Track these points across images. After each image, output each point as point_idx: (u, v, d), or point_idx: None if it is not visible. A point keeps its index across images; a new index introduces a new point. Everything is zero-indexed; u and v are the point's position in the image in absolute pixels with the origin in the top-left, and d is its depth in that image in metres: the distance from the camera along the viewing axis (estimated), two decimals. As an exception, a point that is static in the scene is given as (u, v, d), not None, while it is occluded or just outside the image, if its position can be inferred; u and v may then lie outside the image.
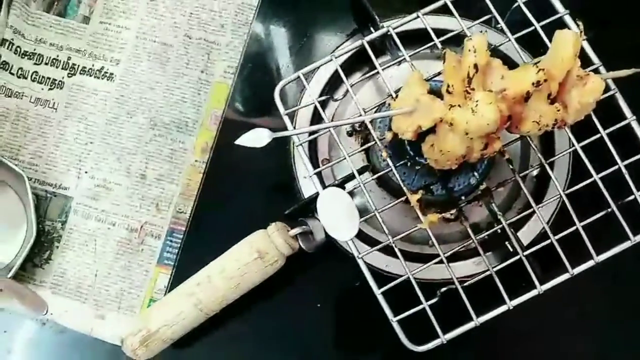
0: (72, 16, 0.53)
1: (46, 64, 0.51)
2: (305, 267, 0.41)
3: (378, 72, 0.38)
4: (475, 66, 0.32)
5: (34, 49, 0.51)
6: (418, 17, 0.38)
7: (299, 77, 0.37)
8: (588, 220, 0.36)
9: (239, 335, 0.42)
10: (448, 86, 0.33)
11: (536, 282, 0.35)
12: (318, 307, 0.41)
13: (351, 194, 0.38)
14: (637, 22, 0.48)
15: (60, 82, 0.51)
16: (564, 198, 0.36)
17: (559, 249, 0.35)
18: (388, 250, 0.40)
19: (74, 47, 0.52)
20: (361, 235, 0.37)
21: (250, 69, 0.50)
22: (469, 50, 0.33)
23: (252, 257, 0.36)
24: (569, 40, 0.32)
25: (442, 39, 0.38)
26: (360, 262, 0.35)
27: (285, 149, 0.45)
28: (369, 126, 0.37)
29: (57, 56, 0.51)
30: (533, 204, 0.36)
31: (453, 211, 0.37)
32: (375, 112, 0.39)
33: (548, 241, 0.36)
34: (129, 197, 0.49)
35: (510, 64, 0.36)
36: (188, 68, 0.51)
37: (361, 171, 0.38)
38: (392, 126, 0.35)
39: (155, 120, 0.50)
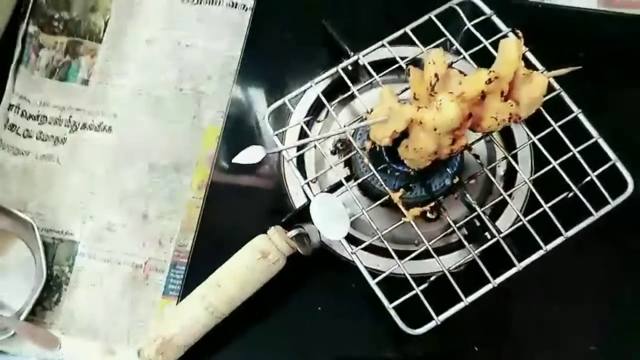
0: (72, 80, 0.58)
1: (49, 123, 0.56)
2: (304, 275, 0.43)
3: (354, 95, 0.44)
4: (436, 75, 0.38)
5: (38, 111, 0.56)
6: (383, 45, 0.44)
7: (284, 102, 0.42)
8: (553, 202, 0.40)
9: (246, 339, 0.43)
10: (415, 94, 0.38)
11: (514, 260, 0.38)
12: (319, 310, 0.43)
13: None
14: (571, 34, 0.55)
15: (63, 139, 0.55)
16: (529, 184, 0.40)
17: (530, 229, 0.39)
18: (378, 251, 0.43)
19: (75, 106, 0.57)
20: (350, 240, 0.40)
21: (238, 110, 0.55)
22: (429, 63, 0.38)
23: (255, 258, 0.39)
24: (512, 45, 0.38)
25: (405, 61, 0.44)
26: (354, 257, 0.38)
27: (275, 172, 0.49)
28: (350, 138, 0.41)
29: (60, 116, 0.56)
30: (502, 192, 0.40)
31: (432, 204, 0.41)
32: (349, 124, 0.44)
33: (520, 223, 0.40)
34: (132, 236, 0.51)
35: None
36: (181, 116, 0.56)
37: (346, 180, 0.42)
38: (370, 135, 0.40)
39: (154, 164, 0.54)
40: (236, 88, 0.57)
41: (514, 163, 0.41)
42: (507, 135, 0.48)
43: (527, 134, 0.42)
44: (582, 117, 0.43)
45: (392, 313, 0.37)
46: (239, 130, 0.53)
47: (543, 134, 0.43)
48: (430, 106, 0.36)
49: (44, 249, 0.48)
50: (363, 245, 0.39)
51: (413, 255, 0.39)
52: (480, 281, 0.39)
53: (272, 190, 0.48)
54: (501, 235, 0.40)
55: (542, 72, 0.44)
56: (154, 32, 0.60)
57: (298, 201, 0.46)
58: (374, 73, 0.43)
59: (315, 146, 0.43)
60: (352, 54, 0.45)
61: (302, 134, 0.46)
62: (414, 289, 0.38)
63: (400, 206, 0.39)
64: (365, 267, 0.39)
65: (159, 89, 0.58)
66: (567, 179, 0.41)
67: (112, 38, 0.60)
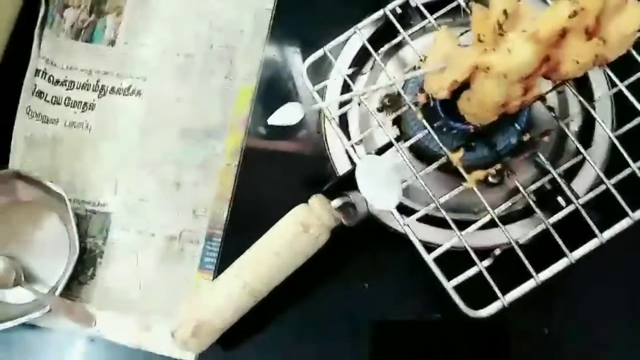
0: (98, 41, 0.54)
1: (77, 88, 0.53)
2: (348, 248, 0.39)
3: (404, 42, 0.38)
4: (505, 12, 0.31)
5: (66, 76, 0.53)
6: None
7: (324, 53, 0.37)
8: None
9: (286, 321, 0.40)
10: (479, 36, 0.32)
11: (596, 231, 0.32)
12: (365, 288, 0.39)
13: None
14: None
15: (91, 104, 0.52)
16: (614, 139, 0.33)
17: (615, 193, 0.32)
18: (433, 221, 0.38)
19: (102, 69, 0.53)
20: (401, 209, 0.35)
21: (272, 67, 0.50)
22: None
23: (296, 231, 0.35)
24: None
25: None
26: (407, 229, 0.33)
27: (315, 134, 0.44)
28: (400, 91, 0.36)
29: (87, 80, 0.53)
30: (582, 150, 0.33)
31: (498, 166, 0.35)
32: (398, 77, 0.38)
33: (603, 187, 0.33)
34: (165, 206, 0.48)
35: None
36: (212, 76, 0.52)
37: (396, 140, 0.36)
38: (425, 87, 0.34)
39: (185, 129, 0.51)
40: (270, 43, 0.52)
41: (595, 114, 0.34)
42: (581, 84, 0.41)
43: (608, 81, 0.35)
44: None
45: (452, 293, 0.32)
46: (274, 89, 0.49)
47: (632, 79, 0.35)
48: (499, 48, 0.30)
49: (77, 222, 0.46)
50: (417, 215, 0.34)
51: (477, 225, 0.34)
52: (552, 255, 0.33)
53: (312, 154, 0.43)
54: (580, 201, 0.34)
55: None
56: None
57: (342, 166, 0.41)
58: (427, 14, 0.37)
59: (359, 103, 0.37)
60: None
61: (345, 89, 0.40)
62: (475, 265, 0.33)
63: (461, 169, 0.33)
64: (420, 241, 0.34)
65: (188, 46, 0.53)
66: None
67: (138, -7, 0.56)
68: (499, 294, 0.32)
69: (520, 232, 0.34)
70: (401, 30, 0.37)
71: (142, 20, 0.55)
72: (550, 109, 0.35)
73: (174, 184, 0.49)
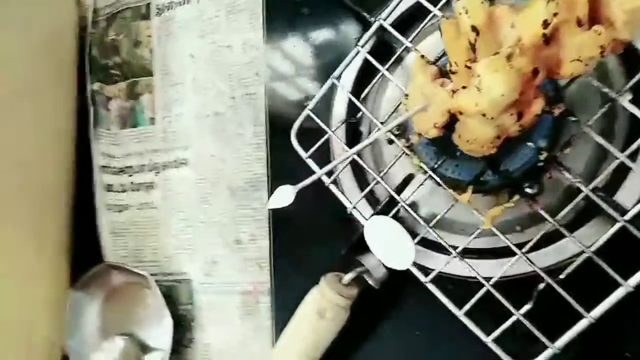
0: (142, 123, 0.59)
1: (137, 172, 0.58)
2: (387, 301, 0.38)
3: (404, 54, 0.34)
4: (474, 29, 0.27)
5: (124, 164, 0.59)
6: (405, -7, 0.33)
7: (308, 114, 0.35)
8: None
9: None
10: (451, 65, 0.28)
11: None
12: (417, 335, 0.37)
13: (413, 205, 0.35)
14: None
15: (152, 184, 0.57)
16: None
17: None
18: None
19: (151, 148, 0.58)
20: (431, 244, 0.33)
21: (279, 113, 0.49)
22: (461, 13, 0.27)
23: (313, 319, 0.35)
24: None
25: (440, 4, 0.32)
26: (430, 287, 0.31)
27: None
28: (393, 138, 0.33)
29: (142, 162, 0.58)
30: (617, 153, 0.27)
31: (515, 198, 0.31)
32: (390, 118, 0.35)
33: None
34: (234, 264, 0.52)
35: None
36: (241, 127, 0.53)
37: (407, 180, 0.34)
38: (415, 128, 0.31)
39: (233, 186, 0.53)
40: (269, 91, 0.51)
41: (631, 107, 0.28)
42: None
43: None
44: None
45: (493, 347, 0.29)
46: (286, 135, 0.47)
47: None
48: (470, 84, 0.26)
49: (168, 293, 0.52)
50: (439, 269, 0.32)
51: (503, 270, 0.30)
52: (600, 283, 0.28)
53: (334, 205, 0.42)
54: (627, 217, 0.28)
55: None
56: (193, 43, 0.57)
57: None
58: (402, 39, 0.33)
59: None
60: (370, 18, 0.35)
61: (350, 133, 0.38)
62: (512, 314, 0.30)
63: (474, 211, 0.30)
64: (453, 276, 0.32)
65: (214, 104, 0.55)
66: None
67: (161, 64, 0.58)
68: (547, 342, 0.28)
69: (556, 257, 0.30)
70: (379, 67, 0.33)
71: (171, 91, 0.57)
72: (568, 113, 0.29)
73: (234, 241, 0.52)
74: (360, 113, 0.35)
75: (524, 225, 0.34)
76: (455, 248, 0.33)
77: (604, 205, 0.28)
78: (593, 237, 0.30)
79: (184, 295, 0.54)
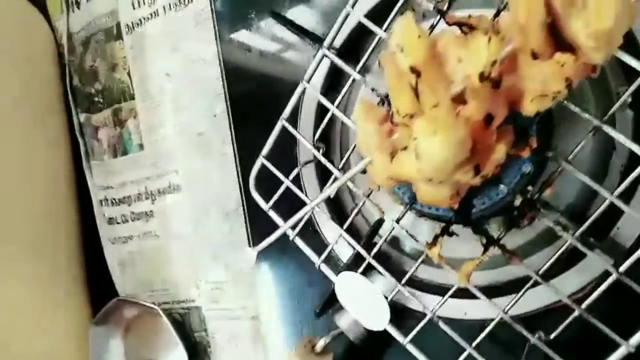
0: (132, 150, 0.57)
1: (135, 201, 0.57)
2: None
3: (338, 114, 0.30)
4: (414, 69, 0.22)
5: (122, 195, 0.58)
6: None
7: (261, 164, 0.32)
8: None
9: None
10: (393, 114, 0.24)
11: None
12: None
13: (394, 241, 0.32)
14: None
15: (150, 212, 0.56)
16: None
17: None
18: (462, 293, 0.31)
19: (144, 175, 0.56)
20: (421, 284, 0.30)
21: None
22: (396, 52, 0.23)
23: None
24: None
25: (387, 23, 0.27)
26: (410, 348, 0.28)
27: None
28: (352, 188, 0.29)
29: (138, 190, 0.57)
30: (605, 193, 0.23)
31: (490, 252, 0.27)
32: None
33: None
34: (237, 289, 0.51)
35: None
36: (224, 145, 0.50)
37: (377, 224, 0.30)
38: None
39: (225, 209, 0.51)
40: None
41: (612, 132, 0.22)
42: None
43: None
44: None
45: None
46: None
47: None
48: (409, 147, 0.22)
49: (179, 321, 0.52)
50: (417, 329, 0.28)
51: (519, 296, 0.27)
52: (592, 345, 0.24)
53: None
54: (621, 269, 0.23)
55: None
56: (167, 59, 0.54)
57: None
58: (348, 69, 0.28)
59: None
60: (314, 46, 0.30)
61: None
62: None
63: (446, 266, 0.26)
64: (451, 319, 0.29)
65: (197, 123, 0.52)
66: None
67: (140, 86, 0.56)
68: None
69: (548, 298, 0.26)
70: (328, 104, 0.29)
71: (153, 114, 0.55)
72: (545, 147, 0.24)
73: (235, 265, 0.51)
74: (320, 151, 0.31)
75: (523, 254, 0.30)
76: (443, 288, 0.30)
77: (591, 255, 0.23)
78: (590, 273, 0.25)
79: (195, 322, 0.54)
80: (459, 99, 0.22)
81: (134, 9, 0.56)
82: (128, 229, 0.58)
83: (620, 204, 0.22)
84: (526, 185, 0.27)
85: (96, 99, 0.59)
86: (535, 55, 0.20)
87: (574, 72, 0.20)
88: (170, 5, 0.54)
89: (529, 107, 0.21)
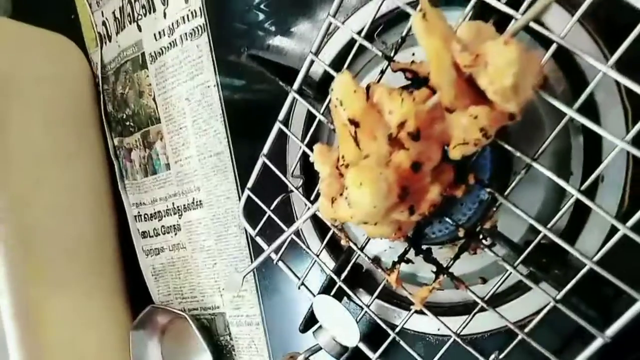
0: (160, 170, 0.63)
1: (164, 216, 0.63)
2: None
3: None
4: (352, 121, 0.25)
5: (154, 209, 0.64)
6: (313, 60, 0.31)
7: (248, 195, 0.35)
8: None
9: None
10: (339, 160, 0.26)
11: (630, 291, 0.23)
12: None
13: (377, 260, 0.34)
14: None
15: (177, 226, 0.61)
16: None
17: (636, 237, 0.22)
18: (439, 310, 0.33)
19: (171, 193, 0.62)
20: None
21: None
22: (336, 106, 0.25)
23: None
24: (418, 24, 0.21)
25: (345, 67, 0.30)
26: (378, 363, 0.30)
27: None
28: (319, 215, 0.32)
29: (167, 206, 0.62)
30: (539, 226, 0.24)
31: (441, 278, 0.28)
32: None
33: (619, 234, 0.23)
34: (256, 299, 0.55)
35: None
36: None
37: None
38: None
39: (241, 224, 0.55)
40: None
41: (541, 170, 0.23)
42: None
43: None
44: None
45: None
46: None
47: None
48: (344, 194, 0.24)
49: (207, 325, 0.57)
50: (383, 347, 0.31)
51: (468, 319, 0.29)
52: (569, 339, 0.26)
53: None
54: (595, 259, 0.25)
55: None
56: (186, 85, 0.58)
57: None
58: (313, 110, 0.31)
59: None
60: (287, 88, 0.33)
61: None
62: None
63: (405, 292, 0.28)
64: (423, 334, 0.31)
65: (213, 144, 0.56)
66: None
67: (164, 111, 0.61)
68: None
69: (525, 310, 0.27)
70: (300, 142, 0.32)
71: (176, 136, 0.60)
72: (472, 186, 0.25)
73: (251, 275, 0.55)
74: (301, 181, 0.34)
75: (489, 275, 0.32)
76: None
77: (534, 286, 0.25)
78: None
79: (221, 327, 0.59)
80: (399, 143, 0.24)
81: (155, 40, 0.61)
82: (159, 242, 0.63)
83: (554, 236, 0.24)
84: (486, 212, 0.28)
85: (127, 123, 0.65)
86: (449, 110, 0.22)
87: (488, 122, 0.22)
88: (186, 35, 0.58)
89: (453, 153, 0.23)
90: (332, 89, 0.25)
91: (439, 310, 0.33)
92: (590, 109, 0.27)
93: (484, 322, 0.30)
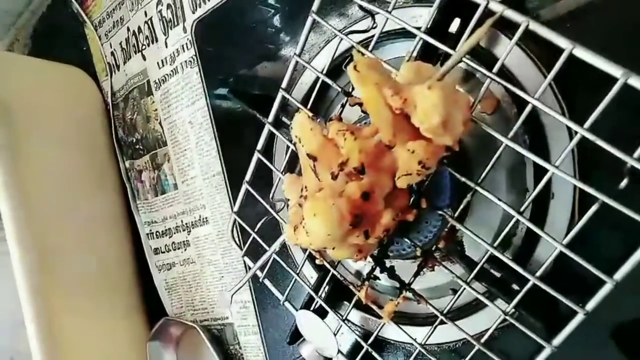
0: (168, 190, 0.66)
1: (174, 233, 0.66)
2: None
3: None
4: (310, 156, 0.27)
5: (164, 227, 0.67)
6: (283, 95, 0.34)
7: (235, 220, 0.38)
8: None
9: None
10: (302, 189, 0.29)
11: (570, 304, 0.25)
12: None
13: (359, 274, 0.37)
14: None
15: (186, 242, 0.65)
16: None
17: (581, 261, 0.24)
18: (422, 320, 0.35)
19: (179, 211, 0.65)
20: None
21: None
22: (296, 143, 0.28)
23: None
24: (351, 74, 0.23)
25: (309, 104, 0.32)
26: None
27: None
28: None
29: (176, 224, 0.66)
30: (486, 245, 0.26)
31: (405, 294, 0.30)
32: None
33: (556, 250, 0.25)
34: (254, 311, 0.58)
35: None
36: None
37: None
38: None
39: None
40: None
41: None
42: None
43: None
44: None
45: None
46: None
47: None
48: (302, 223, 0.27)
49: (217, 335, 0.60)
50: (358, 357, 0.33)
51: (430, 331, 0.31)
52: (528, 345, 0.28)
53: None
54: (538, 274, 0.27)
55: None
56: (188, 110, 0.62)
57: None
58: (290, 145, 0.34)
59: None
60: (264, 120, 0.36)
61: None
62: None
63: (373, 306, 0.31)
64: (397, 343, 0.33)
65: (215, 165, 0.60)
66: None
67: (170, 134, 0.65)
68: None
69: (481, 326, 0.29)
70: (274, 168, 0.34)
71: (182, 158, 0.64)
72: (434, 207, 0.28)
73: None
74: (283, 205, 0.37)
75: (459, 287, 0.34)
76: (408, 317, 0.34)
77: (486, 301, 0.27)
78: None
79: (230, 336, 0.62)
80: (354, 174, 0.27)
81: (159, 68, 0.65)
82: (170, 257, 0.67)
83: (498, 253, 0.26)
84: (441, 232, 0.30)
85: (137, 146, 0.69)
86: (388, 147, 0.24)
87: (426, 155, 0.24)
88: (186, 63, 0.62)
89: (399, 182, 0.25)
90: (291, 127, 0.28)
91: (418, 320, 0.35)
92: (538, 129, 0.29)
93: (448, 333, 0.32)
